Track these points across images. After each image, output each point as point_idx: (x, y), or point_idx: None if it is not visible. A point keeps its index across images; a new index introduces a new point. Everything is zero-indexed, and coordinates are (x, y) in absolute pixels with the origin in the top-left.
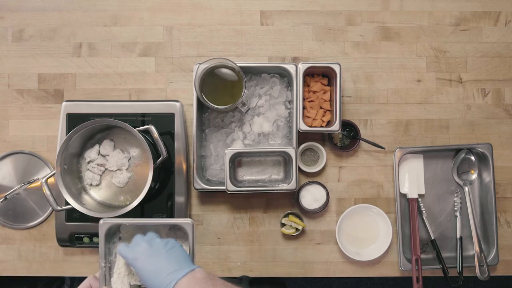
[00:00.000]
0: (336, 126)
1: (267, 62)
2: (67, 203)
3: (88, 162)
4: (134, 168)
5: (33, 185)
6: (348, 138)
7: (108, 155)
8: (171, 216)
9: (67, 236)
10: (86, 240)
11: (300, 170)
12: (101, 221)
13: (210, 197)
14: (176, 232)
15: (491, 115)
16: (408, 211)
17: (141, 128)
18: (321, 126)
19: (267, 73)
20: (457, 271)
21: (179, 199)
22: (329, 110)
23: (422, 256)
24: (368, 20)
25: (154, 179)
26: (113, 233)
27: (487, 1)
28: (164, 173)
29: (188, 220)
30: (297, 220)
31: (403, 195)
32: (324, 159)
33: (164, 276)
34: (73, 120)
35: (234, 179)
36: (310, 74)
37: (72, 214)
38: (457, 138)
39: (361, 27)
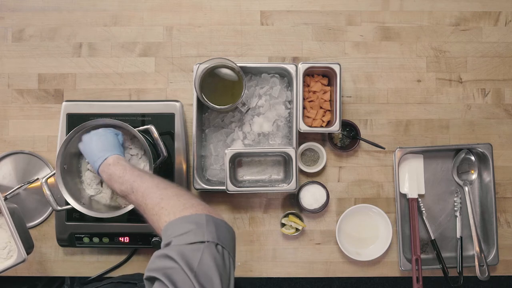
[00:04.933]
0: (336, 126)
1: (267, 62)
2: (67, 203)
3: (88, 162)
4: None
5: (33, 185)
6: (348, 138)
7: None
8: None
9: (67, 236)
10: (86, 240)
11: (300, 170)
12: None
13: (210, 197)
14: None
15: (491, 115)
16: (408, 211)
17: (141, 128)
18: (321, 126)
19: (267, 73)
20: (457, 271)
21: None
22: (329, 110)
23: (422, 256)
24: (368, 20)
25: None
26: None
27: (487, 1)
28: (164, 173)
29: None
30: (297, 220)
31: (403, 195)
32: (324, 159)
33: (92, 163)
34: (73, 120)
35: (234, 179)
36: (310, 74)
37: (72, 214)
38: (457, 138)
39: (361, 27)
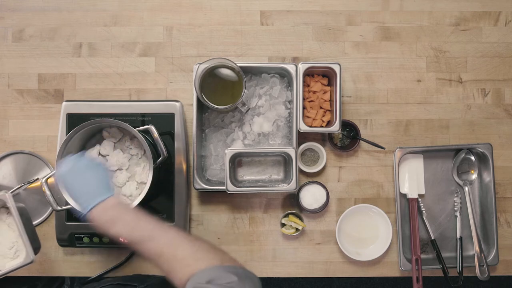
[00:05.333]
0: (336, 126)
1: (267, 62)
2: (67, 203)
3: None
4: (134, 168)
5: (33, 185)
6: (348, 138)
7: (108, 155)
8: (171, 216)
9: (67, 236)
10: (86, 240)
11: (300, 170)
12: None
13: (210, 197)
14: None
15: (491, 115)
16: (408, 211)
17: (141, 128)
18: (321, 126)
19: (267, 73)
20: (457, 271)
21: (179, 199)
22: (329, 110)
23: (422, 256)
24: (368, 20)
25: (154, 179)
26: None
27: (487, 1)
28: (164, 173)
29: (6, 193)
30: (297, 220)
31: (403, 195)
32: (324, 159)
33: (84, 200)
34: (73, 120)
35: (234, 179)
36: (310, 74)
37: (72, 214)
38: (457, 138)
39: (361, 27)
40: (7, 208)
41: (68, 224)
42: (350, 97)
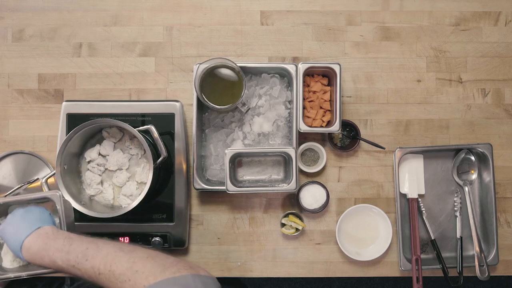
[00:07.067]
0: (336, 126)
1: (267, 62)
2: None
3: (88, 162)
4: (134, 168)
5: (33, 185)
6: (348, 138)
7: (108, 155)
8: (171, 216)
9: None
10: None
11: (300, 170)
12: None
13: (210, 197)
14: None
15: (491, 115)
16: (408, 211)
17: (141, 128)
18: (321, 126)
19: (267, 73)
20: (457, 271)
21: (179, 199)
22: (329, 110)
23: (422, 256)
24: (368, 20)
25: (154, 179)
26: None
27: (487, 1)
28: (164, 173)
29: (57, 192)
30: (297, 220)
31: (403, 195)
32: (324, 159)
33: (16, 236)
34: (73, 120)
35: (234, 179)
36: (310, 74)
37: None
38: (457, 138)
39: (361, 27)
40: (47, 202)
41: None
42: (350, 97)
